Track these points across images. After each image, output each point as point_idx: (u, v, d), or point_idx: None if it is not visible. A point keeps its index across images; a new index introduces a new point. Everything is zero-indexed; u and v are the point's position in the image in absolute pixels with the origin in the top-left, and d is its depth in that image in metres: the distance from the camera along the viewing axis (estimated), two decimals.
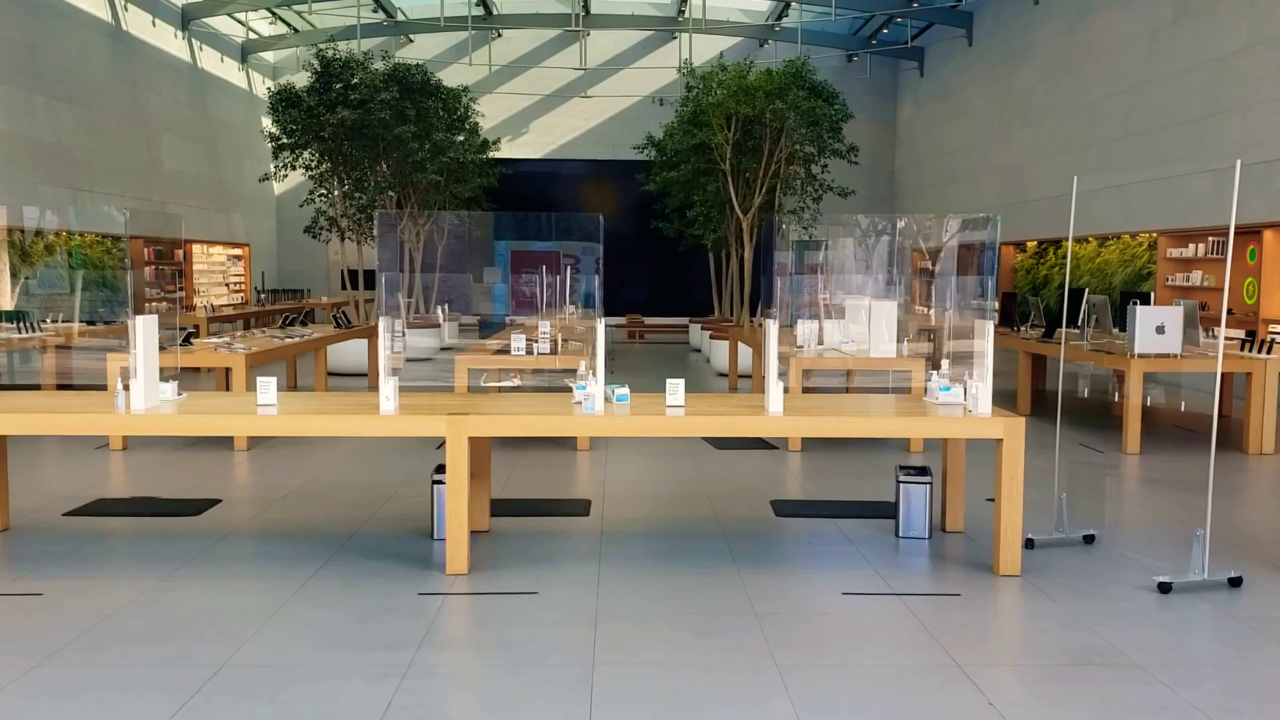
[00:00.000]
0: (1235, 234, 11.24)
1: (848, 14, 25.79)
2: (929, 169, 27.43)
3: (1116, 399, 12.80)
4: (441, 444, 5.63)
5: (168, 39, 23.50)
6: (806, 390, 9.82)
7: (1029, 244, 21.39)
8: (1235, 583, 5.53)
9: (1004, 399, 12.16)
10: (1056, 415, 8.26)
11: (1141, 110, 16.79)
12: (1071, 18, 19.28)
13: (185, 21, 24.11)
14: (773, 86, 19.58)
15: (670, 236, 23.70)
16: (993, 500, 6.38)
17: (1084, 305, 11.67)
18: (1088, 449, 9.95)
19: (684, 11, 26.94)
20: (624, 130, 27.21)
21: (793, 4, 25.80)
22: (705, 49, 26.38)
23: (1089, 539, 6.40)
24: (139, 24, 22.16)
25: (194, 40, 24.73)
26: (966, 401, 6.12)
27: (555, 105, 29.38)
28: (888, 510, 7.13)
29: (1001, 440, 5.68)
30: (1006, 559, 5.72)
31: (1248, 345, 10.48)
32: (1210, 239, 15.27)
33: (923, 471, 6.55)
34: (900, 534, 6.55)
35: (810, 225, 20.89)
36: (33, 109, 18.06)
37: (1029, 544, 6.24)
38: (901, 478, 6.55)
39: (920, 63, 27.55)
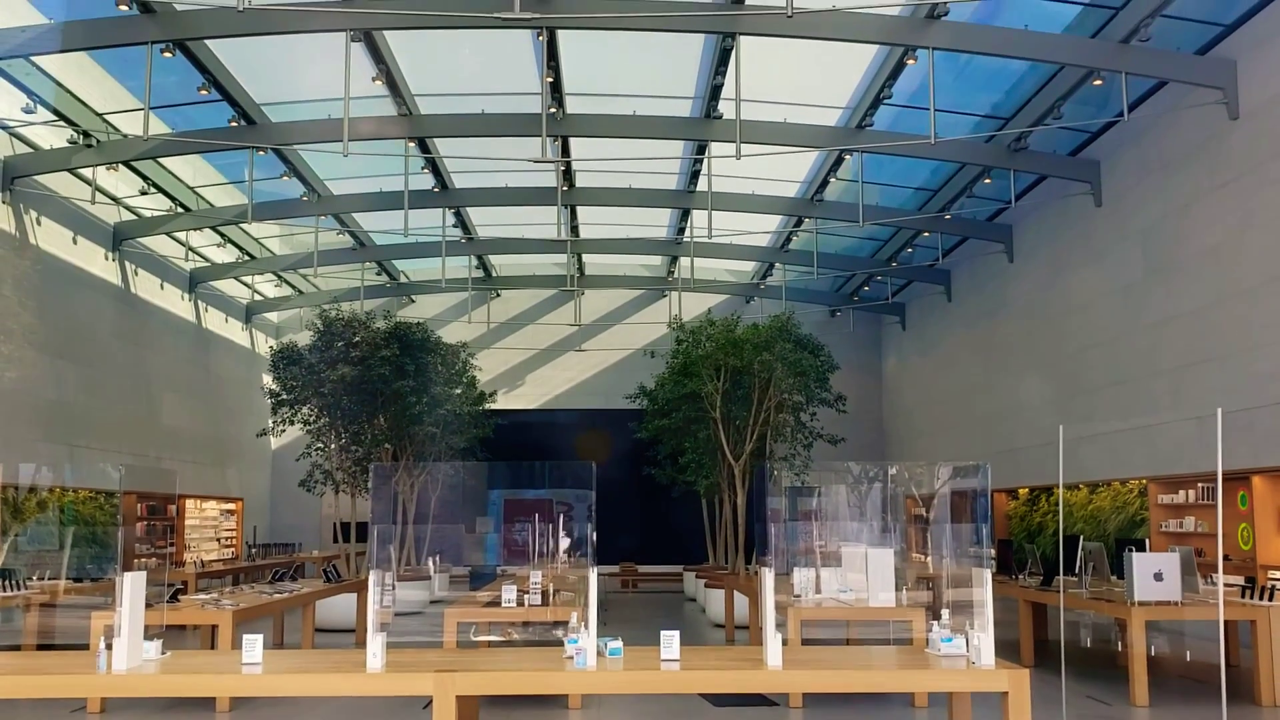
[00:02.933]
0: (1224, 480, 11.33)
1: (829, 273, 26.89)
2: (916, 418, 27.86)
3: (1120, 648, 12.52)
4: (428, 703, 5.48)
5: (175, 301, 24.32)
6: (806, 642, 9.62)
7: (1021, 491, 21.46)
8: None
9: (1006, 649, 11.89)
10: (1060, 666, 8.08)
11: (1122, 361, 17.26)
12: (1046, 275, 20.12)
13: (193, 285, 25.02)
14: (760, 340, 20.15)
15: (663, 483, 23.75)
16: None
17: (1080, 552, 11.63)
18: (1096, 701, 9.66)
19: (673, 272, 28.10)
20: (617, 381, 27.79)
21: (776, 265, 26.93)
22: (694, 305, 27.33)
23: None
24: (147, 287, 22.98)
25: (200, 302, 25.58)
26: (969, 653, 6.01)
27: (550, 359, 30.17)
28: None
29: (1007, 694, 5.55)
30: None
31: (1248, 592, 10.38)
32: (1200, 485, 15.37)
33: None
34: None
35: (802, 472, 20.99)
36: (37, 367, 18.47)
37: None
38: None
39: (902, 317, 28.49)
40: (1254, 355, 13.87)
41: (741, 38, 14.69)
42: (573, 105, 17.82)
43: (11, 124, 16.89)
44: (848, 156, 19.15)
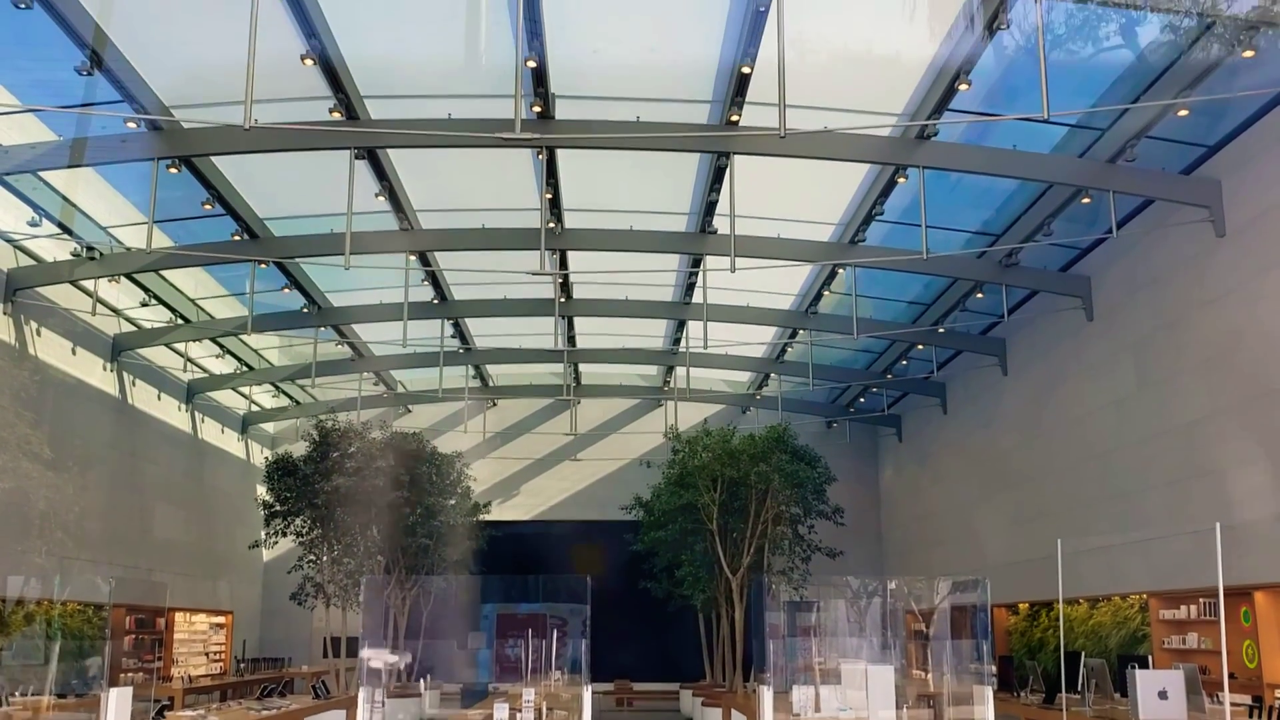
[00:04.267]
0: (1225, 596, 11.25)
1: (825, 385, 27.04)
2: (914, 530, 27.69)
3: None
4: None
5: (171, 411, 24.33)
6: None
7: (1021, 606, 21.21)
8: None
9: None
10: None
11: (1117, 474, 17.25)
12: (1040, 388, 20.23)
13: (190, 396, 25.06)
14: (756, 450, 20.19)
15: (659, 597, 23.48)
16: None
17: (1082, 669, 11.47)
18: None
19: (669, 382, 28.23)
20: (612, 491, 27.66)
21: (772, 376, 27.09)
22: (690, 415, 27.39)
23: None
24: (145, 398, 23.02)
25: (197, 413, 25.59)
26: None
27: (546, 469, 30.09)
28: None
29: None
30: None
31: (1255, 711, 10.21)
32: (1202, 600, 15.21)
33: None
34: None
35: (800, 586, 20.81)
36: (30, 478, 18.37)
37: None
38: None
39: (898, 429, 28.53)
40: (1250, 469, 13.88)
41: (735, 156, 15.04)
42: (571, 220, 18.15)
43: (16, 237, 17.14)
44: (841, 270, 19.43)
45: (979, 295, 19.78)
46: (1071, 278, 18.49)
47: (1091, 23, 12.24)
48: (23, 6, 11.30)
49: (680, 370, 27.06)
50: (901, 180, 15.59)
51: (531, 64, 13.25)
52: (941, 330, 21.40)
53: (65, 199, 16.64)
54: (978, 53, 12.74)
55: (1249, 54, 11.57)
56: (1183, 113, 13.31)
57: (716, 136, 15.00)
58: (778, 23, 11.30)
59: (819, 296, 21.03)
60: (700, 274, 19.86)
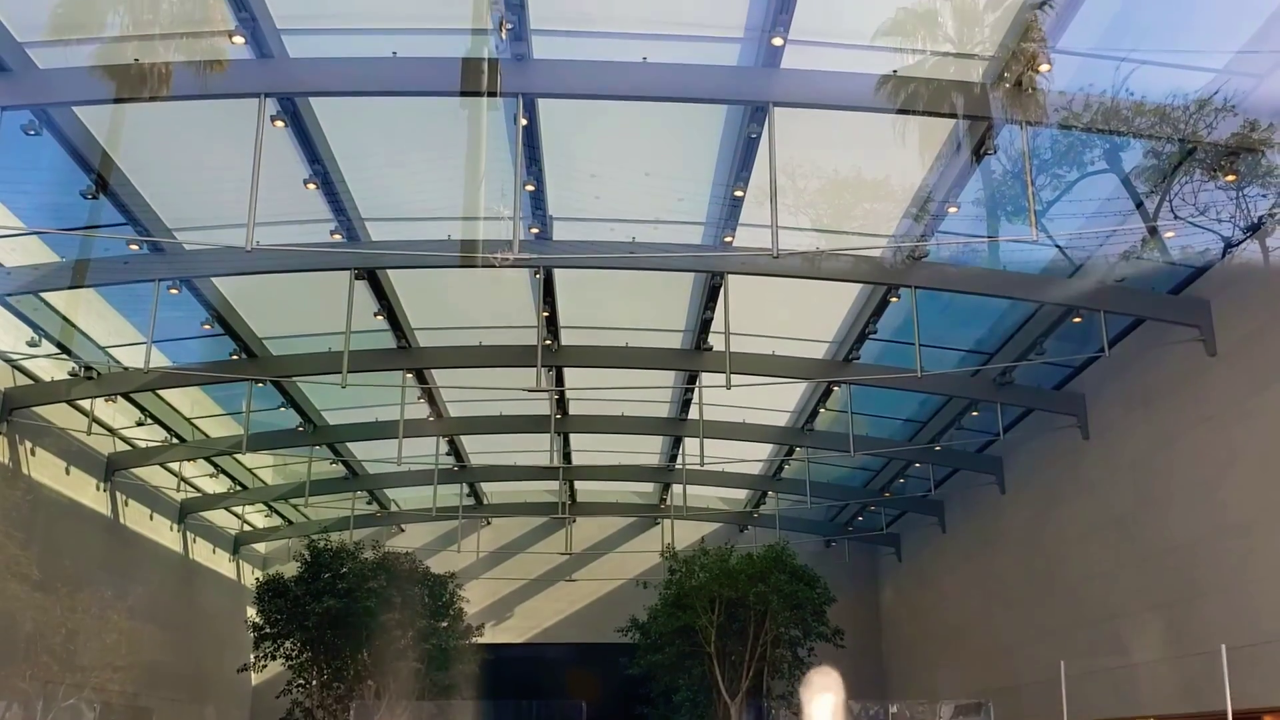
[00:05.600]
0: (1235, 718, 11.00)
1: (823, 502, 26.87)
2: (916, 651, 27.17)
3: None
4: None
5: (163, 531, 24.08)
6: None
7: None
8: None
9: None
10: None
11: (1120, 593, 17.02)
12: (1038, 507, 20.11)
13: (182, 516, 24.83)
14: (754, 570, 19.95)
15: None
16: None
17: None
18: None
19: (666, 499, 28.04)
20: (608, 613, 27.18)
21: (769, 493, 26.94)
22: (687, 534, 27.13)
23: None
24: (137, 518, 22.81)
25: (188, 533, 25.33)
26: None
27: (540, 589, 29.64)
28: None
29: None
30: None
31: None
32: None
33: None
34: None
35: (800, 711, 20.30)
36: (18, 600, 18.07)
37: None
38: None
39: (897, 548, 28.25)
40: (1254, 589, 13.69)
41: (729, 275, 15.24)
42: (568, 337, 18.28)
43: (15, 357, 17.20)
44: (836, 388, 19.50)
45: (974, 413, 19.82)
46: (1066, 396, 18.54)
47: (1076, 148, 12.55)
48: (32, 134, 11.58)
49: (677, 488, 26.92)
50: (894, 299, 15.78)
51: (530, 188, 13.53)
52: (938, 448, 21.37)
53: (65, 319, 16.78)
54: (966, 177, 13.03)
55: (1230, 178, 11.84)
56: (1169, 234, 13.54)
57: (711, 257, 15.22)
58: (769, 148, 11.62)
59: (815, 413, 21.06)
60: (696, 390, 19.93)
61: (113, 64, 11.16)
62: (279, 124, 12.09)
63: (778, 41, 11.16)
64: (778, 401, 20.88)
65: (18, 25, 10.89)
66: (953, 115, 11.82)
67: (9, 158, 12.29)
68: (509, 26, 10.96)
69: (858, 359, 17.98)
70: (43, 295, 15.74)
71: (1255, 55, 11.09)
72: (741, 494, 28.37)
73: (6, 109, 11.28)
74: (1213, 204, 12.23)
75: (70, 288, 15.14)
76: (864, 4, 11.00)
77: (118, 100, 11.39)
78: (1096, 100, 11.51)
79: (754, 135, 12.45)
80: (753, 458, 24.68)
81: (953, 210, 13.38)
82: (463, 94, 12.24)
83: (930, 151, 12.80)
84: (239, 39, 10.92)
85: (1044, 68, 10.90)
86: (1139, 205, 13.14)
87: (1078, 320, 15.91)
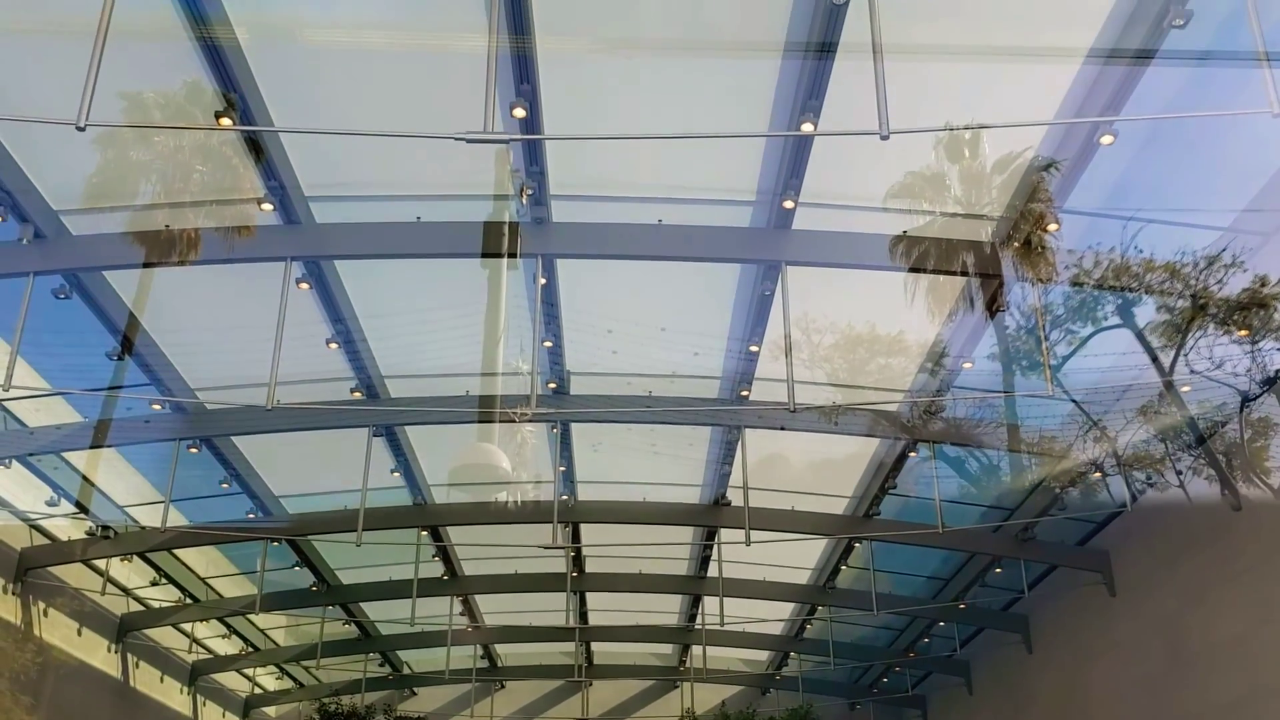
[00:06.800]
0: None
1: (847, 663, 26.18)
2: None
3: None
4: None
5: (173, 694, 23.58)
6: None
7: None
8: None
9: None
10: None
11: None
12: (1067, 666, 19.53)
13: (194, 678, 24.34)
14: None
15: None
16: None
17: None
18: None
19: (685, 661, 27.37)
20: None
21: (792, 654, 26.29)
22: (708, 697, 26.40)
23: None
24: (147, 680, 22.39)
25: (199, 695, 24.78)
26: None
27: None
28: None
29: None
30: None
31: None
32: None
33: None
34: None
35: None
36: None
37: None
38: None
39: (923, 710, 27.36)
40: None
41: (746, 430, 15.26)
42: (584, 492, 18.21)
43: (34, 517, 17.22)
44: (858, 544, 19.26)
45: (998, 570, 19.47)
46: (1090, 552, 18.21)
47: (1089, 304, 12.69)
48: (63, 297, 11.88)
49: (696, 649, 26.29)
50: (912, 454, 15.72)
51: (548, 344, 13.72)
52: (962, 606, 20.93)
53: (85, 478, 16.85)
54: (980, 332, 13.15)
55: (1244, 333, 11.91)
56: (1186, 389, 13.52)
57: (727, 411, 15.27)
58: (783, 306, 11.80)
59: (837, 571, 20.73)
60: (715, 547, 19.70)
61: (144, 230, 11.52)
62: (304, 286, 12.38)
63: (789, 204, 11.44)
64: (798, 559, 20.58)
65: (54, 195, 11.28)
66: (964, 273, 12.02)
67: (39, 320, 12.55)
68: (529, 191, 11.30)
69: (878, 515, 17.81)
70: (64, 454, 15.85)
71: (1260, 214, 11.31)
72: (763, 655, 27.67)
73: (39, 274, 11.60)
74: (1228, 358, 12.27)
75: (92, 447, 15.24)
76: (872, 168, 11.30)
77: (147, 265, 11.71)
78: (1106, 257, 11.70)
79: (768, 292, 12.65)
80: (774, 617, 24.19)
81: (968, 365, 13.45)
82: (484, 255, 12.53)
83: (943, 308, 12.96)
84: (268, 206, 11.28)
85: (1052, 227, 11.14)
86: (1154, 359, 13.17)
87: (1099, 476, 15.77)
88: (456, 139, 7.17)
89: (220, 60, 9.44)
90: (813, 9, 9.04)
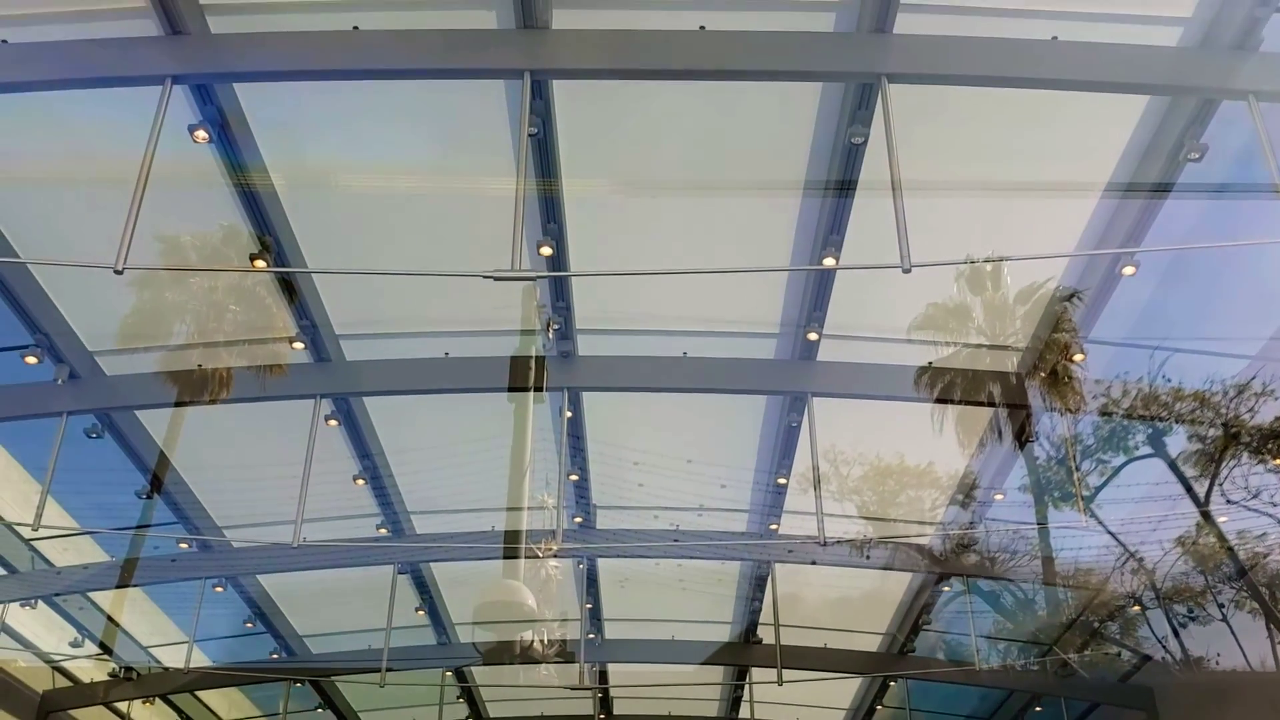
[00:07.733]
0: None
1: None
2: None
3: None
4: None
5: None
6: None
7: None
8: None
9: None
10: None
11: None
12: None
13: None
14: None
15: None
16: None
17: None
18: None
19: None
20: None
21: None
22: None
23: None
24: None
25: None
26: None
27: None
28: None
29: None
30: None
31: None
32: None
33: None
34: None
35: None
36: None
37: None
38: None
39: None
40: None
41: (776, 564, 15.04)
42: (611, 630, 17.87)
43: (57, 658, 17.05)
44: (893, 683, 18.73)
45: (1038, 709, 18.83)
46: (1133, 689, 17.58)
47: (1119, 433, 12.59)
48: (94, 437, 12.00)
49: None
50: (945, 588, 15.42)
51: (574, 477, 13.67)
52: None
53: (110, 618, 16.72)
54: (1010, 463, 13.03)
55: (1279, 462, 11.76)
56: (1223, 520, 13.30)
57: (757, 545, 15.08)
58: (810, 437, 11.75)
59: (872, 711, 20.09)
60: (746, 687, 19.19)
61: (176, 369, 11.70)
62: (333, 423, 12.45)
63: (813, 336, 11.50)
64: (832, 699, 19.99)
65: (90, 336, 11.49)
66: (991, 404, 11.98)
67: (70, 459, 12.64)
68: (555, 327, 11.43)
69: (913, 651, 17.35)
70: (89, 594, 15.78)
71: None
72: None
73: (72, 413, 11.75)
74: (1265, 487, 12.09)
75: (118, 586, 15.18)
76: (895, 300, 11.38)
77: (179, 404, 11.85)
78: (1134, 387, 11.65)
79: (794, 424, 12.62)
80: None
81: (999, 497, 13.28)
82: (510, 389, 12.60)
83: (971, 438, 12.88)
84: (299, 345, 11.45)
85: (1078, 357, 11.14)
86: (1189, 489, 12.99)
87: (1138, 609, 15.38)
88: (484, 277, 7.30)
89: (256, 204, 9.70)
90: (831, 148, 9.24)
